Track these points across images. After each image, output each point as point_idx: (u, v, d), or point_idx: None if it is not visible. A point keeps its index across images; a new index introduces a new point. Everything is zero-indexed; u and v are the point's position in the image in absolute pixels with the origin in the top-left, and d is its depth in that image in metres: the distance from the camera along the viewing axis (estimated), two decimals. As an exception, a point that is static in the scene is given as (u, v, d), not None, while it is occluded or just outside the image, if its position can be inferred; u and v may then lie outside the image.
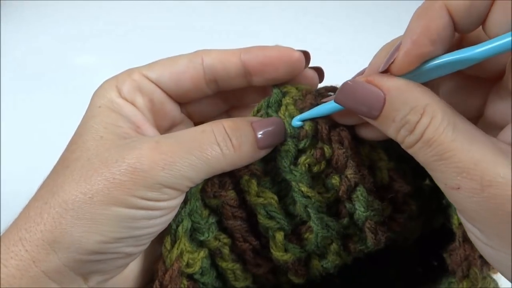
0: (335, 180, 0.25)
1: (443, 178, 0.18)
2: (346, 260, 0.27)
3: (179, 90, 0.26)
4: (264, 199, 0.26)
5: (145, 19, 0.66)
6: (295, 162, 0.25)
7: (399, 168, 0.26)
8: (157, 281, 0.24)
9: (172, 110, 0.27)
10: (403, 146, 0.20)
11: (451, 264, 0.24)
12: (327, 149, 0.25)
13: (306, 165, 0.25)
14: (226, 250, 0.26)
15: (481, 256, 0.22)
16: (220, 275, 0.27)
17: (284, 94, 0.26)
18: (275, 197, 0.26)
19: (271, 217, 0.26)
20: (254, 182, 0.26)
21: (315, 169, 0.25)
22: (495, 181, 0.17)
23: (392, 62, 0.19)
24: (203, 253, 0.26)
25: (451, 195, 0.18)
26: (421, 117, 0.18)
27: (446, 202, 0.26)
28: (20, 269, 0.21)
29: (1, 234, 0.23)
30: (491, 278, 0.25)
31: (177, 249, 0.25)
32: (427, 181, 0.28)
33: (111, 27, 0.64)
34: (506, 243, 0.17)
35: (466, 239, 0.23)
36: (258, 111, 0.27)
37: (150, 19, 0.66)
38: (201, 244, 0.26)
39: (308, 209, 0.25)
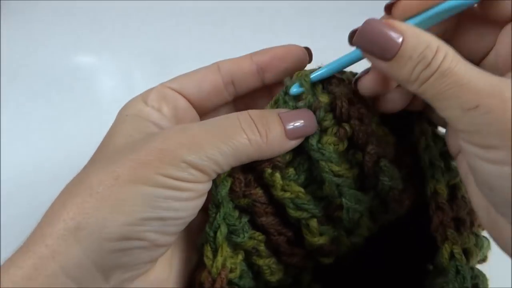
0: (358, 156, 0.25)
1: (459, 102, 0.20)
2: (373, 231, 0.28)
3: (200, 95, 0.28)
4: (291, 193, 0.25)
5: (145, 19, 0.66)
6: (319, 140, 0.25)
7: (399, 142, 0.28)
8: None
9: (194, 119, 0.28)
10: (416, 82, 0.21)
11: (433, 234, 0.25)
12: (348, 127, 0.25)
13: (332, 144, 0.25)
14: (262, 247, 0.26)
15: (454, 218, 0.25)
16: (254, 273, 0.27)
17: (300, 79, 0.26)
18: (302, 190, 0.26)
19: (301, 209, 0.26)
20: (278, 175, 0.25)
21: (340, 148, 0.25)
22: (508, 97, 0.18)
23: (394, 4, 0.22)
24: (241, 255, 0.26)
25: (465, 117, 0.19)
26: (436, 52, 0.20)
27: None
28: (37, 268, 0.20)
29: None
30: (477, 235, 0.27)
31: (221, 256, 0.24)
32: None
33: (111, 27, 0.64)
34: None
35: (438, 207, 0.25)
36: (275, 102, 0.27)
37: (150, 19, 0.66)
38: (236, 247, 0.26)
39: (340, 188, 0.25)
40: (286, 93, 0.26)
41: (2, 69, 0.58)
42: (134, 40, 0.63)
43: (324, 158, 0.25)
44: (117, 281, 0.22)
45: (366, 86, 0.25)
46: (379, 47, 0.21)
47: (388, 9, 0.23)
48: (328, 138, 0.25)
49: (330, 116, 0.25)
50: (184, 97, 0.28)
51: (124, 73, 0.60)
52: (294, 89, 0.26)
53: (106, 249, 0.21)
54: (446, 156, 0.27)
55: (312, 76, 0.26)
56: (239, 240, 0.25)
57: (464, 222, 0.26)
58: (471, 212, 0.27)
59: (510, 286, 0.38)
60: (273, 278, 0.27)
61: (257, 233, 0.26)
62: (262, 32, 0.64)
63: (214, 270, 0.24)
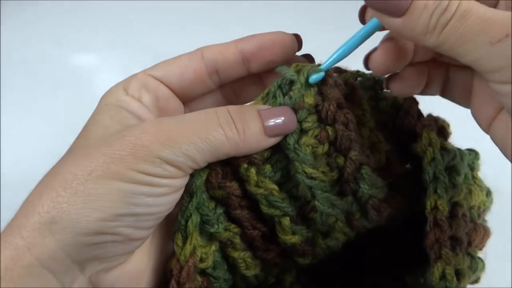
0: (340, 160, 0.25)
1: (487, 37, 0.19)
2: (349, 236, 0.27)
3: (183, 84, 0.27)
4: (265, 189, 0.25)
5: (146, 19, 0.66)
6: (298, 141, 0.25)
7: (395, 150, 0.27)
8: (173, 280, 0.24)
9: (176, 108, 0.28)
10: (435, 32, 0.20)
11: (427, 250, 0.24)
12: (330, 131, 0.25)
13: (310, 146, 0.25)
14: (237, 240, 0.26)
15: (451, 237, 0.24)
16: (230, 266, 0.27)
17: (298, 72, 0.26)
18: (276, 187, 0.26)
19: (274, 206, 0.26)
20: (253, 171, 0.25)
21: (318, 150, 0.25)
22: None
23: None
24: (214, 246, 0.25)
25: (497, 50, 0.19)
26: (449, 2, 0.20)
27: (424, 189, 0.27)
28: (14, 259, 0.20)
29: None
30: (473, 257, 0.26)
31: (190, 244, 0.24)
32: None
33: (111, 27, 0.64)
34: None
35: (436, 224, 0.24)
36: (266, 94, 0.26)
37: (151, 19, 0.66)
38: (211, 237, 0.26)
39: (313, 190, 0.25)
40: (279, 86, 0.26)
41: (2, 69, 0.58)
42: (134, 40, 0.63)
43: (298, 159, 0.25)
44: (93, 271, 0.22)
45: (377, 63, 0.24)
46: (391, 1, 0.20)
47: None
48: (307, 140, 0.25)
49: (313, 117, 0.25)
50: (166, 85, 0.27)
51: (124, 72, 0.60)
52: (314, 77, 0.25)
53: (80, 242, 0.21)
54: (452, 172, 0.27)
55: (322, 66, 0.25)
56: (212, 230, 0.25)
57: (461, 242, 0.25)
58: (470, 233, 0.27)
59: (510, 286, 0.38)
60: (249, 273, 0.27)
61: (233, 225, 0.26)
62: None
63: (182, 257, 0.24)
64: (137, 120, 0.25)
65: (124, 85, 0.26)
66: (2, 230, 0.22)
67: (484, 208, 0.29)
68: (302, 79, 0.25)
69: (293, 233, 0.26)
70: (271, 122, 0.24)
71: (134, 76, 0.27)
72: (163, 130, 0.22)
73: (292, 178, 0.26)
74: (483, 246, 0.28)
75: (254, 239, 0.27)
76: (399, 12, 0.21)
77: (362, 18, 0.24)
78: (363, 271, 0.32)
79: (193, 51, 0.28)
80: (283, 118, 0.24)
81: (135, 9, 0.66)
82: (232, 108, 0.24)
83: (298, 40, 0.28)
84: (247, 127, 0.23)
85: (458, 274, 0.24)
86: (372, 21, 0.23)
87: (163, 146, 0.22)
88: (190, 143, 0.22)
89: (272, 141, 0.25)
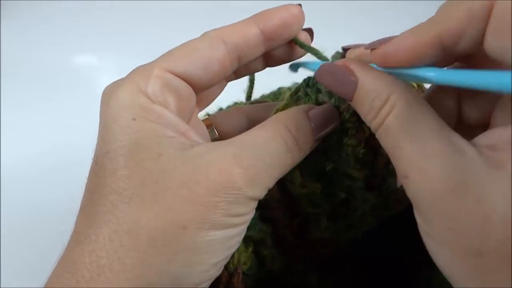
0: (369, 156, 0.25)
1: (395, 165, 0.19)
2: (372, 226, 0.28)
3: (207, 78, 0.23)
4: (309, 189, 0.25)
5: (145, 19, 0.66)
6: (339, 141, 0.25)
7: None
8: (221, 286, 0.24)
9: (193, 106, 0.25)
10: (371, 129, 0.20)
11: None
12: (367, 129, 0.25)
13: (351, 146, 0.25)
14: (268, 239, 0.26)
15: None
16: (258, 261, 0.27)
17: None
18: (319, 186, 0.26)
19: (315, 205, 0.26)
20: (297, 171, 0.25)
21: (358, 149, 0.25)
22: (435, 175, 0.17)
23: (375, 48, 0.20)
24: (251, 248, 0.26)
25: (402, 183, 0.19)
26: (384, 104, 0.19)
27: None
28: None
29: None
30: None
31: (237, 252, 0.24)
32: None
33: (111, 27, 0.64)
34: (442, 239, 0.17)
35: None
36: (295, 93, 0.26)
37: (150, 19, 0.66)
38: (247, 240, 0.26)
39: (351, 188, 0.26)
40: (308, 84, 0.26)
41: (2, 69, 0.58)
42: (134, 40, 0.63)
43: (341, 159, 0.25)
44: None
45: (397, 58, 0.20)
46: (339, 88, 0.21)
47: (371, 49, 0.20)
48: (348, 140, 0.25)
49: (354, 118, 0.25)
50: (189, 83, 0.23)
51: (124, 73, 0.60)
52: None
53: None
54: None
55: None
56: (250, 233, 0.25)
57: None
58: None
59: (510, 286, 0.38)
60: (275, 266, 0.28)
61: (265, 225, 0.26)
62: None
63: (231, 266, 0.24)
64: (177, 134, 0.21)
65: (141, 86, 0.21)
66: (23, 235, 0.20)
67: None
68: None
69: (326, 229, 0.27)
70: (320, 125, 0.24)
71: (147, 74, 0.21)
72: (245, 167, 0.20)
73: (327, 177, 0.26)
74: None
75: (285, 236, 0.27)
76: (347, 98, 0.21)
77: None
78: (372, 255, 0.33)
79: (210, 38, 0.24)
80: (330, 121, 0.24)
81: (136, 10, 0.66)
82: (291, 125, 0.23)
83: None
84: (305, 143, 0.23)
85: None
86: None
87: (251, 186, 0.20)
88: (270, 176, 0.21)
89: (318, 141, 0.24)
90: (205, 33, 0.24)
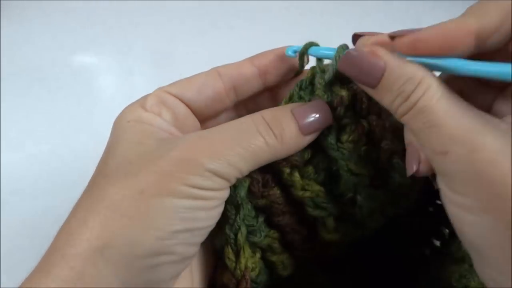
0: (372, 152, 0.25)
1: (432, 144, 0.19)
2: (381, 224, 0.27)
3: (201, 101, 0.27)
4: (311, 192, 0.25)
5: (145, 19, 0.66)
6: (339, 139, 0.24)
7: None
8: None
9: (194, 126, 0.27)
10: (396, 114, 0.20)
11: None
12: (366, 123, 0.24)
13: (352, 142, 0.24)
14: (276, 245, 0.26)
15: None
16: (267, 268, 0.27)
17: (314, 72, 0.26)
18: (322, 188, 0.25)
19: (320, 208, 0.26)
20: (297, 175, 0.25)
21: (359, 145, 0.25)
22: (481, 148, 0.18)
23: (401, 36, 0.20)
24: (258, 254, 0.25)
25: (437, 161, 0.19)
26: (417, 86, 0.19)
27: None
28: None
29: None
30: None
31: (244, 258, 0.24)
32: None
33: (111, 27, 0.64)
34: (485, 206, 0.18)
35: None
36: (290, 98, 0.26)
37: (150, 19, 0.66)
38: (253, 246, 0.25)
39: (357, 186, 0.25)
40: (301, 87, 0.26)
41: (2, 69, 0.58)
42: (134, 40, 0.63)
43: (343, 157, 0.24)
44: None
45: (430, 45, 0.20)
46: (363, 75, 0.21)
47: (392, 38, 0.21)
48: (348, 136, 0.24)
49: (350, 113, 0.24)
50: (184, 102, 0.26)
51: (124, 73, 0.60)
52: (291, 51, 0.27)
53: (136, 267, 0.20)
54: None
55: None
56: (256, 239, 0.25)
57: None
58: None
59: (510, 286, 0.38)
60: (285, 273, 0.27)
61: (272, 231, 0.26)
62: (262, 32, 0.64)
63: (238, 272, 0.24)
64: (167, 134, 0.24)
65: (141, 103, 0.25)
66: (23, 237, 0.21)
67: None
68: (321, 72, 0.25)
69: (335, 231, 0.26)
70: (307, 120, 0.24)
71: (149, 94, 0.26)
72: (208, 143, 0.22)
73: (333, 177, 0.26)
74: None
75: (294, 241, 0.26)
76: (370, 86, 0.21)
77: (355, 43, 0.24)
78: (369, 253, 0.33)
79: (209, 71, 0.27)
80: (318, 115, 0.24)
81: (136, 10, 0.66)
82: (266, 114, 0.24)
83: None
84: (283, 132, 0.23)
85: None
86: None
87: (211, 159, 0.21)
88: (235, 154, 0.22)
89: (309, 138, 0.24)
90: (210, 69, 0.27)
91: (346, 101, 0.24)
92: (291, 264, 0.27)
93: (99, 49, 0.62)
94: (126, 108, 0.25)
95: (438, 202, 0.29)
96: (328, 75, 0.24)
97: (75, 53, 0.61)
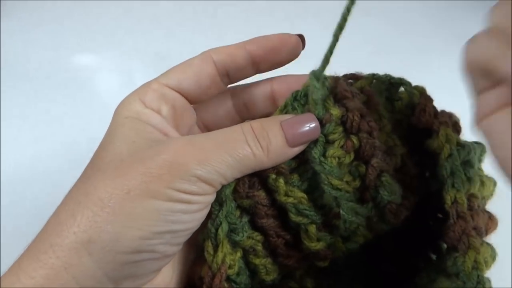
0: (361, 167, 0.25)
1: None
2: (368, 238, 0.28)
3: (200, 89, 0.27)
4: (294, 198, 0.26)
5: (145, 19, 0.66)
6: (324, 153, 0.25)
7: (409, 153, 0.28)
8: (204, 287, 0.24)
9: (191, 117, 0.28)
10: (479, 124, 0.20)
11: (450, 241, 0.25)
12: (355, 140, 0.25)
13: (336, 157, 0.25)
14: (259, 247, 0.27)
15: (474, 228, 0.25)
16: (250, 272, 0.27)
17: (310, 84, 0.26)
18: (305, 196, 0.26)
19: (302, 215, 0.26)
20: (281, 181, 0.26)
21: (345, 160, 0.25)
22: None
23: None
24: (239, 253, 0.26)
25: None
26: None
27: (439, 187, 0.28)
28: (50, 278, 0.20)
29: (29, 245, 0.22)
30: (490, 245, 0.27)
31: (221, 252, 0.25)
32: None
33: (111, 27, 0.64)
34: None
35: (459, 216, 0.25)
36: (285, 107, 0.27)
37: (150, 19, 0.66)
38: (235, 245, 0.26)
39: (338, 200, 0.26)
40: (296, 98, 0.26)
41: (2, 69, 0.58)
42: (134, 40, 0.63)
43: (325, 171, 0.25)
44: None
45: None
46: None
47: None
48: (334, 152, 0.25)
49: (339, 129, 0.25)
50: (182, 94, 0.27)
51: (124, 73, 0.60)
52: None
53: (118, 261, 0.21)
54: (467, 166, 0.27)
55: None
56: (237, 238, 0.26)
57: (481, 232, 0.26)
58: (487, 222, 0.28)
59: (510, 286, 0.38)
60: (268, 278, 0.28)
61: (256, 233, 0.27)
62: (262, 33, 0.64)
63: (214, 265, 0.24)
64: (160, 134, 0.25)
65: (140, 96, 0.26)
66: (23, 235, 0.22)
67: (489, 198, 0.30)
68: (320, 85, 0.25)
69: (318, 240, 0.27)
70: (294, 133, 0.25)
71: (148, 86, 0.27)
72: (198, 149, 0.23)
73: (318, 187, 0.27)
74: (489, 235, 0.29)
75: (277, 246, 0.27)
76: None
77: None
78: (368, 259, 0.33)
79: (202, 55, 0.28)
80: (306, 128, 0.25)
81: (136, 10, 0.66)
82: (255, 124, 0.25)
83: (302, 40, 0.29)
84: (270, 143, 0.24)
85: (484, 263, 0.25)
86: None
87: (198, 165, 0.22)
88: (222, 161, 0.23)
89: (297, 150, 0.25)
90: (203, 52, 0.28)
91: (336, 119, 0.25)
92: (274, 270, 0.28)
93: (99, 49, 0.62)
94: (125, 99, 0.26)
95: (439, 215, 0.29)
96: (322, 91, 0.25)
97: (75, 53, 0.61)
